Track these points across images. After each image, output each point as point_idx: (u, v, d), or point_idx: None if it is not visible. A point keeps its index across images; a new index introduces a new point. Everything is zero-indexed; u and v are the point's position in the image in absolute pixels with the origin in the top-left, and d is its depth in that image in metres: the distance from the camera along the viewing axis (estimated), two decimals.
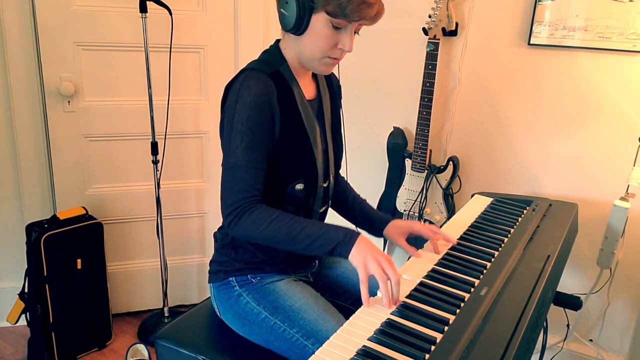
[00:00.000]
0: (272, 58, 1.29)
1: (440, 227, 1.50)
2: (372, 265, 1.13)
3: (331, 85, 1.45)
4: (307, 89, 1.35)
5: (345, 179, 1.61)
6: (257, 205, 1.21)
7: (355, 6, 1.14)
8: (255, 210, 1.20)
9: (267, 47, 1.34)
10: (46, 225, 2.04)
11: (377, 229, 1.48)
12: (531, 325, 1.07)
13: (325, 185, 1.39)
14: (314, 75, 1.40)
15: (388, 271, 1.12)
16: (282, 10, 1.20)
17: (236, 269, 1.33)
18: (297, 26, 1.19)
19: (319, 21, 1.18)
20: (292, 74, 1.29)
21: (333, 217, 1.56)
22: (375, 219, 1.50)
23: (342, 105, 1.54)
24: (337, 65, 1.28)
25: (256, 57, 1.33)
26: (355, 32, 1.23)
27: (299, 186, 1.29)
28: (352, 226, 1.60)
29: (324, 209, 1.43)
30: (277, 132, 1.24)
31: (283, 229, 1.19)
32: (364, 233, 1.56)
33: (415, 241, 1.40)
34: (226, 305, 1.34)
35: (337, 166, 1.47)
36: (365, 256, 1.15)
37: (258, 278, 1.32)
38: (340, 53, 1.24)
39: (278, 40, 1.33)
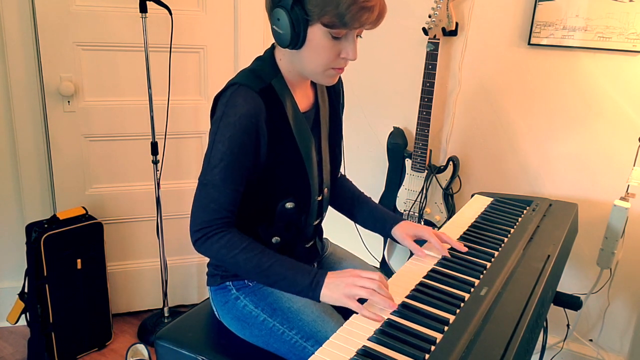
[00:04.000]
0: (265, 69, 1.21)
1: (440, 227, 1.50)
2: (351, 291, 1.10)
3: (331, 91, 1.39)
4: (304, 99, 1.29)
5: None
6: (229, 230, 1.18)
7: (354, 13, 1.06)
8: (226, 234, 1.17)
9: (261, 54, 1.27)
10: (46, 225, 2.04)
11: (385, 231, 1.44)
12: (531, 325, 1.07)
13: (319, 198, 1.35)
14: (313, 82, 1.34)
15: (367, 284, 1.09)
16: (274, 27, 1.13)
17: (233, 274, 1.32)
18: (294, 42, 1.11)
19: (317, 34, 1.11)
20: (286, 86, 1.22)
21: (334, 216, 1.56)
22: (386, 220, 1.44)
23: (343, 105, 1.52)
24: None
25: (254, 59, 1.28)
26: (357, 36, 1.16)
27: (289, 204, 1.26)
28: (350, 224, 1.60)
29: (317, 221, 1.40)
30: (264, 154, 1.19)
31: (251, 261, 1.15)
32: (366, 232, 1.54)
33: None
34: (224, 309, 1.33)
35: (334, 177, 1.43)
36: (339, 290, 1.11)
37: (255, 281, 1.32)
38: (344, 62, 1.18)
39: (274, 45, 1.25)
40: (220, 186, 1.16)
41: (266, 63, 1.23)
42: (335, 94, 1.40)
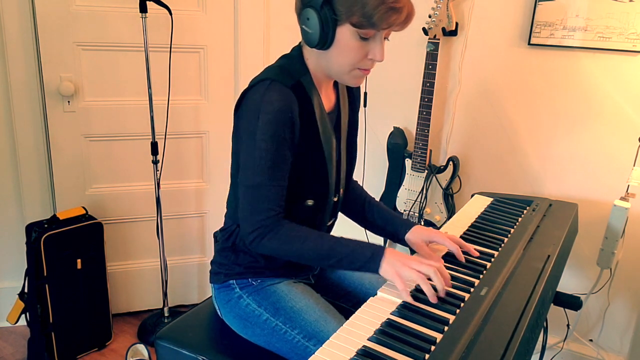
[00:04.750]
0: (294, 66, 1.22)
1: (440, 227, 1.50)
2: (406, 272, 1.12)
3: (351, 93, 1.40)
4: (327, 100, 1.30)
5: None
6: (281, 223, 1.19)
7: (382, 14, 1.07)
8: (281, 228, 1.18)
9: (288, 52, 1.27)
10: (46, 225, 2.04)
11: (398, 236, 1.41)
12: (531, 325, 1.07)
13: (335, 199, 1.36)
14: (335, 83, 1.34)
15: (424, 270, 1.12)
16: (304, 27, 1.14)
17: (237, 273, 1.32)
18: (322, 42, 1.12)
19: (345, 34, 1.12)
20: (313, 85, 1.23)
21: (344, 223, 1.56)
22: (397, 225, 1.41)
23: None
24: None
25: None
26: (385, 38, 1.16)
27: (309, 202, 1.27)
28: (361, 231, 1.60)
29: (331, 221, 1.41)
30: (295, 147, 1.20)
31: (311, 248, 1.18)
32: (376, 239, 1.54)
33: None
34: (227, 307, 1.34)
35: (348, 179, 1.44)
36: (395, 267, 1.14)
37: (259, 281, 1.32)
38: (371, 64, 1.18)
39: (301, 44, 1.26)
40: (268, 185, 1.17)
41: (294, 61, 1.24)
42: (354, 96, 1.41)
